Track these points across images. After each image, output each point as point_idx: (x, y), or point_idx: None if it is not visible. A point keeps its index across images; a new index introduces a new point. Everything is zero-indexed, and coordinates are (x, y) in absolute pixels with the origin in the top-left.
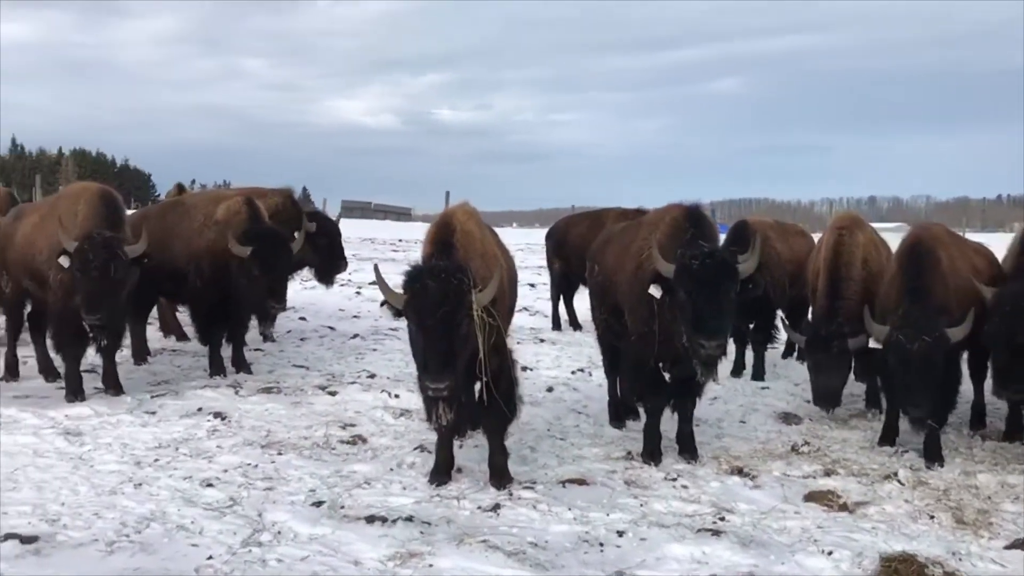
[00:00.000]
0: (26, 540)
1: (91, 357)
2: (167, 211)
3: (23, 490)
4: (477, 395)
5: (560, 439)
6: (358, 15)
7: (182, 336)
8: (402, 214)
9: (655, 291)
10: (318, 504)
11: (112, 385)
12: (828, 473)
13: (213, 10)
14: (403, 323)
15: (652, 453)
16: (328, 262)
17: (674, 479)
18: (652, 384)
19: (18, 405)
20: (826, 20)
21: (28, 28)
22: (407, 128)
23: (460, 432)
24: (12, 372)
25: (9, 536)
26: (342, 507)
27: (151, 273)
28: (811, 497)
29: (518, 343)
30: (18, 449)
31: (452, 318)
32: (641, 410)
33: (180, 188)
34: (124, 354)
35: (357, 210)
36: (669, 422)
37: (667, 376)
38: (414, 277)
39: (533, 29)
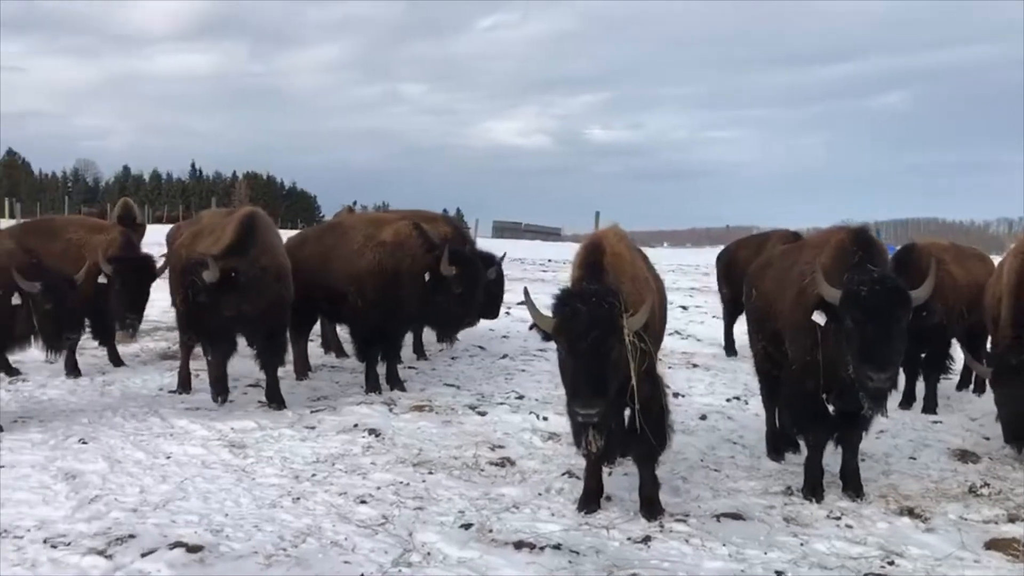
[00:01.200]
0: (192, 549)
1: (256, 372)
2: (326, 233)
3: (191, 499)
4: (627, 422)
5: (714, 470)
6: (516, 38)
7: (341, 353)
8: (551, 234)
9: (819, 318)
10: (467, 527)
11: (275, 399)
12: (1012, 519)
13: (376, 38)
14: (552, 345)
15: (814, 489)
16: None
17: (837, 517)
18: (815, 416)
19: (189, 417)
20: (997, 30)
21: (206, 60)
22: (559, 148)
23: (610, 459)
24: (185, 385)
25: (176, 544)
26: (490, 531)
27: (311, 292)
28: (993, 545)
29: (669, 368)
30: (188, 459)
31: (603, 343)
32: (802, 443)
33: (350, 210)
34: (287, 369)
35: (508, 230)
36: (832, 456)
37: (831, 408)
38: (564, 301)
39: (687, 47)
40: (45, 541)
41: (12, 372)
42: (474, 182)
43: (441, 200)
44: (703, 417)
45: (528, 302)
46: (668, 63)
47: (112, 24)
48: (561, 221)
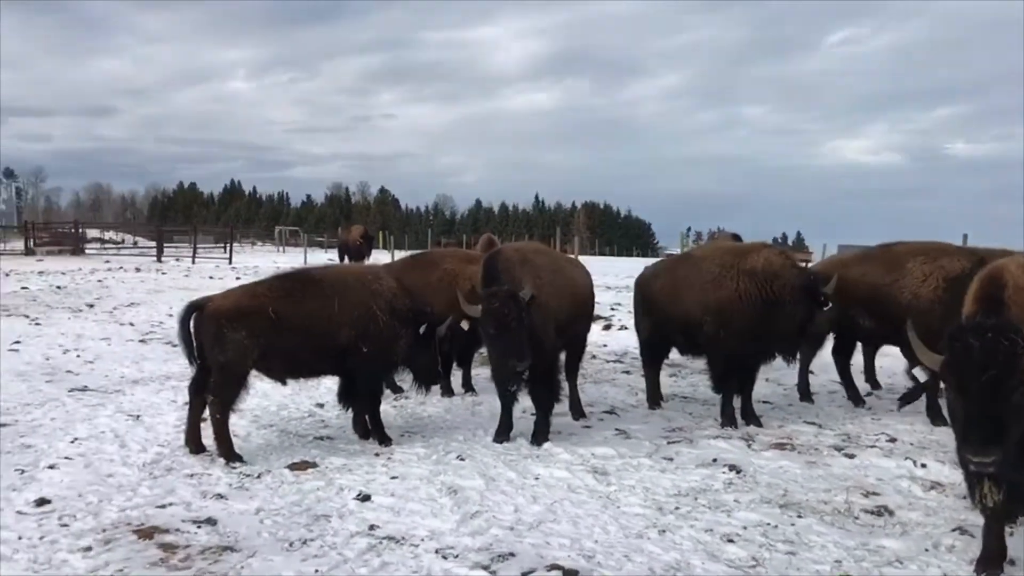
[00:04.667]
0: (568, 573)
1: (608, 399)
2: (678, 264)
3: (561, 523)
4: None
5: None
6: (866, 52)
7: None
8: None
9: None
10: None
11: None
12: None
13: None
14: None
15: None
16: None
17: None
18: None
19: (553, 440)
20: None
21: (551, 96)
22: (913, 165)
23: (1011, 518)
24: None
25: (553, 567)
26: None
27: (664, 326)
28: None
29: None
30: (555, 482)
31: (1000, 384)
32: None
33: (491, 241)
34: (640, 397)
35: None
36: None
37: None
38: (955, 336)
39: None
40: (436, 551)
41: (397, 390)
42: (818, 204)
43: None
44: None
45: (911, 336)
46: None
47: (473, 69)
48: None
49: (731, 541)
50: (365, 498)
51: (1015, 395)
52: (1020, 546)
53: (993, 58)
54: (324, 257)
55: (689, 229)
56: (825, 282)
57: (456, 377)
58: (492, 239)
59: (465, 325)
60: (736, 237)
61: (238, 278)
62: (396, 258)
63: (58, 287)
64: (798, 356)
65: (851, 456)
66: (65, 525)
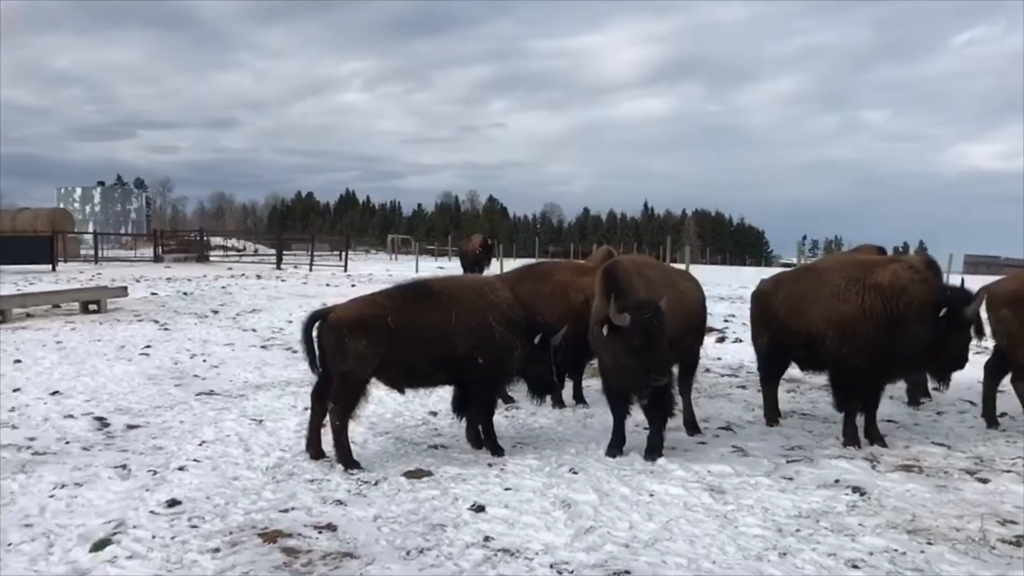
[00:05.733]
0: None
1: (725, 414)
2: (800, 276)
3: (677, 541)
4: None
5: None
6: (997, 53)
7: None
8: None
9: None
10: None
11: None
12: None
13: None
14: None
15: None
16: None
17: None
18: None
19: (667, 455)
20: None
21: (666, 103)
22: None
23: None
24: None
25: None
26: None
27: (784, 340)
28: None
29: None
30: (670, 499)
31: None
32: None
33: (609, 253)
34: (756, 413)
35: (983, 265)
36: None
37: None
38: None
39: None
40: (551, 566)
41: (508, 400)
42: (943, 212)
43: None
44: None
45: None
46: None
47: (583, 77)
48: None
49: (856, 567)
50: (479, 509)
51: None
52: None
53: None
54: (434, 265)
55: (805, 238)
56: (966, 302)
57: (567, 389)
58: (611, 251)
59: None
60: (880, 251)
61: (353, 285)
62: (505, 267)
63: (185, 293)
64: (949, 380)
65: (984, 481)
66: (195, 526)
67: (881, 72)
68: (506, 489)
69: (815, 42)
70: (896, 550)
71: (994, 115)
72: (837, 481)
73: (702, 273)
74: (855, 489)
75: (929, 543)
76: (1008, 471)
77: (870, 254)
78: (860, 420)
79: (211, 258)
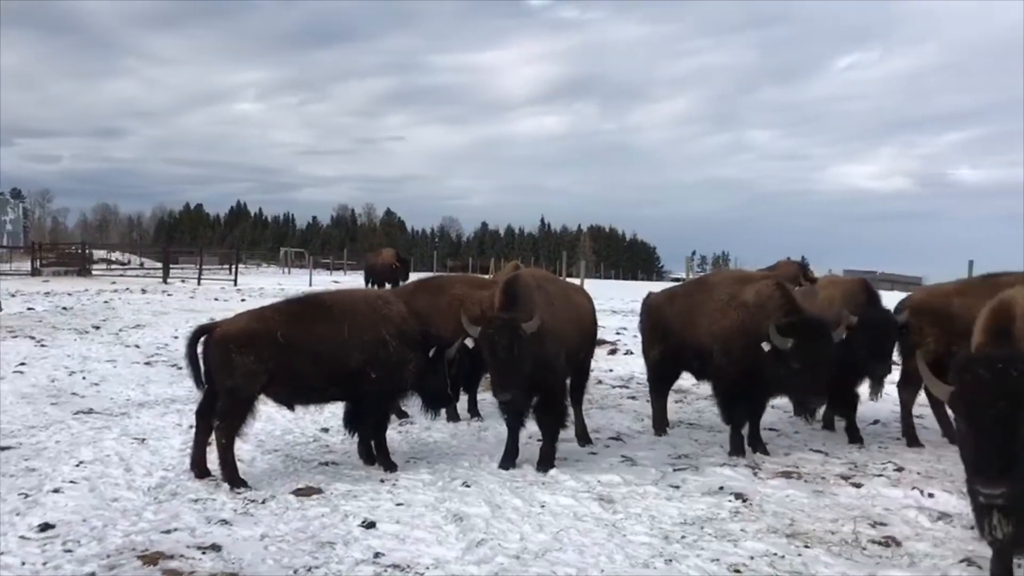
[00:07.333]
0: None
1: (615, 424)
2: (693, 290)
3: (567, 551)
4: None
5: None
6: (874, 77)
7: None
8: (911, 283)
9: None
10: None
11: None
12: None
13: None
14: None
15: None
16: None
17: None
18: None
19: (558, 466)
20: None
21: (560, 120)
22: (920, 191)
23: (1020, 550)
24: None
25: None
26: None
27: (677, 352)
28: None
29: None
30: (561, 510)
31: (1010, 415)
32: None
33: (516, 267)
34: (646, 423)
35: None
36: None
37: None
38: (964, 367)
39: None
40: None
41: (402, 415)
42: (823, 229)
43: (786, 248)
44: None
45: (922, 368)
46: None
47: (482, 93)
48: (923, 269)
49: (738, 571)
50: (370, 525)
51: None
52: None
53: (1000, 84)
54: (329, 279)
55: (694, 253)
56: (816, 330)
57: (462, 402)
58: (518, 265)
59: (469, 343)
60: (803, 267)
61: (243, 300)
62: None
63: (64, 308)
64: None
65: (858, 485)
66: (69, 551)
67: (767, 94)
68: (398, 504)
69: (705, 64)
70: (776, 554)
71: (871, 137)
72: (721, 488)
73: (597, 287)
74: (738, 496)
75: (806, 546)
76: (879, 475)
77: (790, 270)
78: (746, 429)
79: (94, 272)
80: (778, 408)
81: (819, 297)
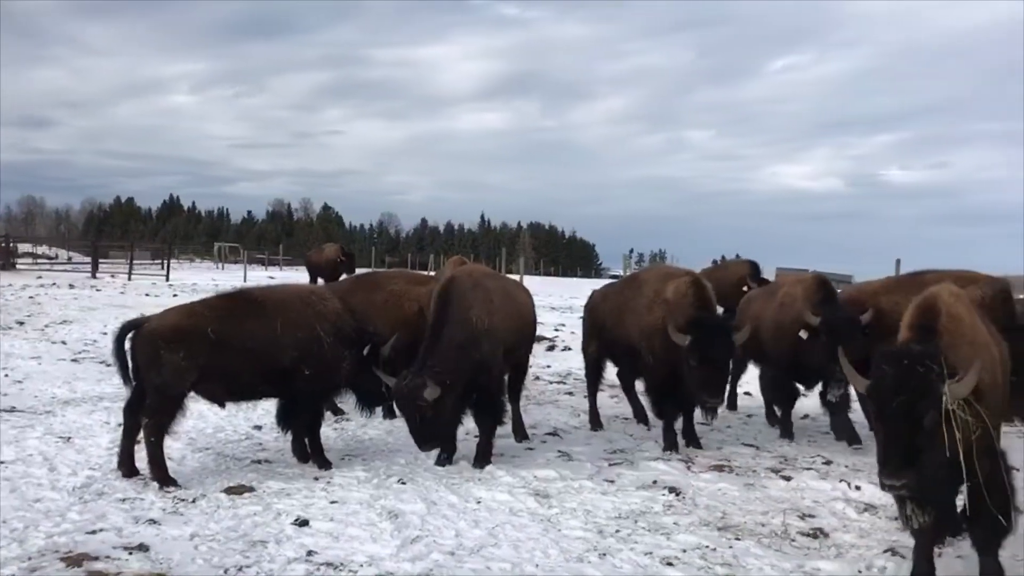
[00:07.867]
0: None
1: (552, 420)
2: (624, 287)
3: (503, 547)
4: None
5: None
6: (809, 79)
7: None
8: (842, 281)
9: None
10: None
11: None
12: None
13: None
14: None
15: None
16: None
17: None
18: None
19: (496, 462)
20: None
21: (501, 117)
22: (852, 191)
23: (939, 538)
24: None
25: None
26: None
27: (610, 348)
28: None
29: None
30: (497, 505)
31: (911, 409)
32: None
33: (462, 262)
34: (582, 419)
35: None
36: None
37: None
38: (877, 362)
39: (1012, 78)
40: None
41: (338, 412)
42: (758, 228)
43: (721, 247)
44: None
45: (843, 362)
46: (986, 97)
47: (423, 88)
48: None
49: (670, 564)
50: (303, 523)
51: (927, 420)
52: (946, 567)
53: (929, 87)
54: (264, 275)
55: (632, 251)
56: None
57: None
58: (463, 260)
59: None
60: (754, 266)
61: (175, 295)
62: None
63: None
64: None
65: (788, 478)
66: None
67: (704, 94)
68: (332, 502)
69: (644, 64)
70: (708, 546)
71: (805, 138)
72: (655, 482)
73: (536, 284)
74: (671, 489)
75: (737, 538)
76: (808, 468)
77: (739, 270)
78: (679, 424)
79: (18, 266)
80: None
81: (779, 295)
